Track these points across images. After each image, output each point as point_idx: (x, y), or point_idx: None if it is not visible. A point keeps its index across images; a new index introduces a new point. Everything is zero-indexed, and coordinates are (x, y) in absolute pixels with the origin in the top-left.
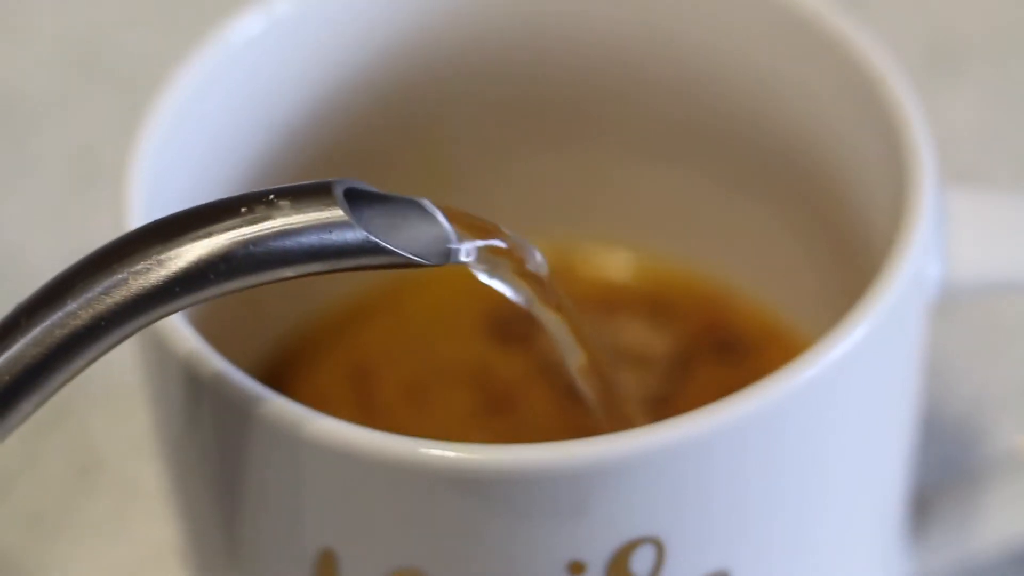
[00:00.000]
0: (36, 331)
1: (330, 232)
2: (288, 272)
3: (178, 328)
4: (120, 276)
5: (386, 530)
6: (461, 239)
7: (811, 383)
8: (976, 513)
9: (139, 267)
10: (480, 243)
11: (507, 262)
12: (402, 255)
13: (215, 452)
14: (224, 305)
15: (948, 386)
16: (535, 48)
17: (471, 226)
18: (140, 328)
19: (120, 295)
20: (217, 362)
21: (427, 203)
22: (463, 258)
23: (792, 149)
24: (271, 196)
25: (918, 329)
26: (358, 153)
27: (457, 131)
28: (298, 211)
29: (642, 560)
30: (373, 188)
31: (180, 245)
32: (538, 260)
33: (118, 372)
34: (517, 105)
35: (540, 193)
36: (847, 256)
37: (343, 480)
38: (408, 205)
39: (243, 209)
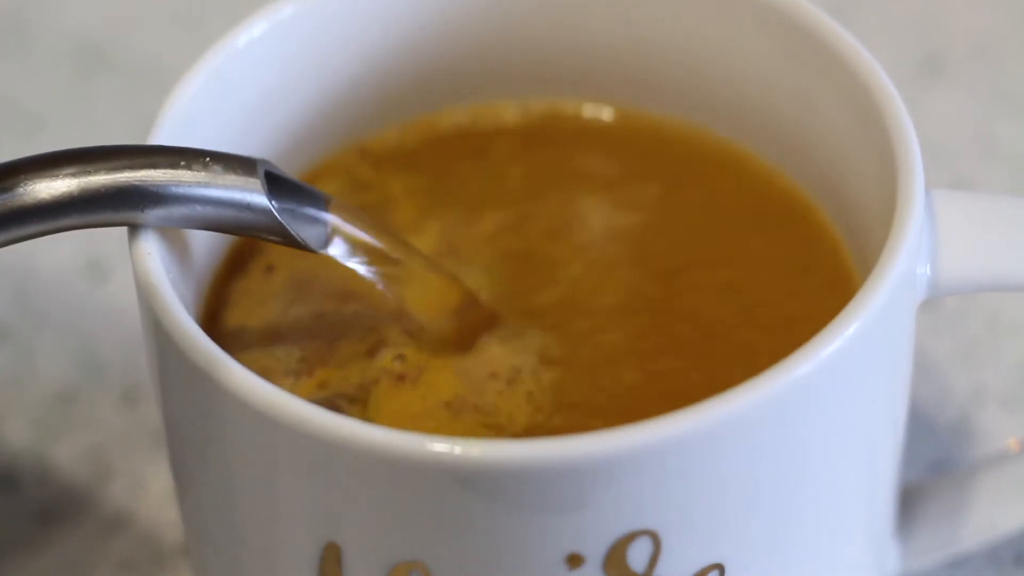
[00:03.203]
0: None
1: (242, 194)
2: (201, 222)
3: (185, 325)
4: (60, 176)
5: (389, 524)
6: (335, 235)
7: (803, 380)
8: (963, 509)
9: (68, 170)
10: (356, 235)
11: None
12: (293, 234)
13: (220, 448)
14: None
15: (940, 388)
16: (535, 49)
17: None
18: (56, 231)
19: (32, 199)
20: (221, 357)
21: (323, 196)
22: (331, 251)
23: (786, 152)
24: (207, 158)
25: (908, 328)
26: None
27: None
28: (225, 174)
29: (639, 552)
30: (286, 173)
31: (115, 171)
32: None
33: (131, 370)
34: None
35: None
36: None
37: (347, 475)
38: (308, 194)
39: (182, 162)
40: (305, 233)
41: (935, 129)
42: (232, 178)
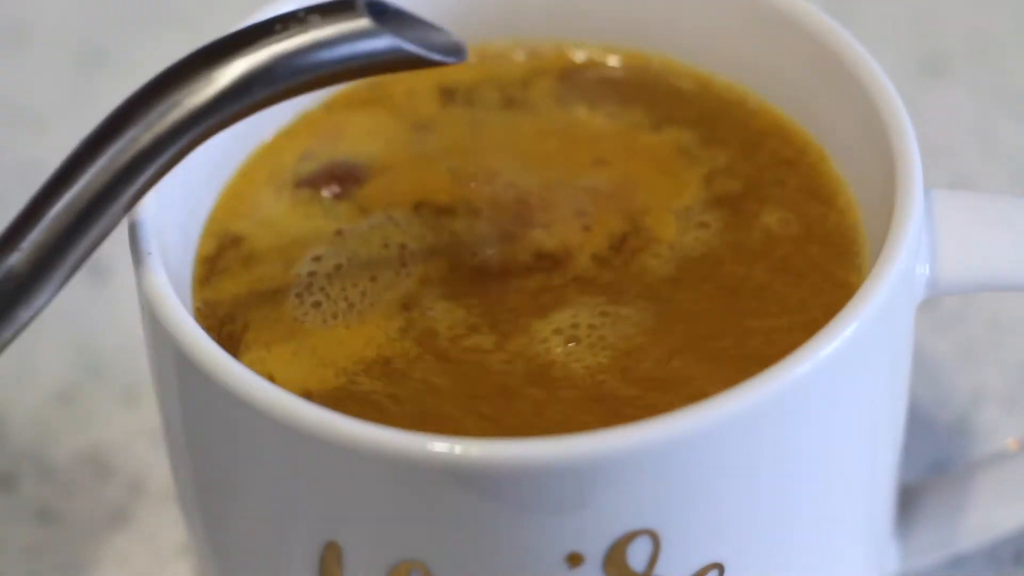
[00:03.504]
0: (104, 159)
1: (359, 40)
2: (324, 80)
3: (185, 325)
4: (175, 98)
5: (389, 523)
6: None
7: (803, 380)
8: (963, 509)
9: (191, 87)
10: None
11: None
12: (428, 56)
13: (220, 447)
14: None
15: (940, 388)
16: (530, 47)
17: None
18: (198, 143)
19: (177, 115)
20: (222, 357)
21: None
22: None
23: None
24: (301, 14)
25: (907, 327)
26: None
27: None
28: (328, 24)
29: (639, 552)
30: (390, 3)
31: (226, 64)
32: None
33: (131, 370)
34: None
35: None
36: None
37: (347, 474)
38: (415, 18)
39: (278, 27)
40: (436, 51)
41: (935, 129)
42: (338, 27)
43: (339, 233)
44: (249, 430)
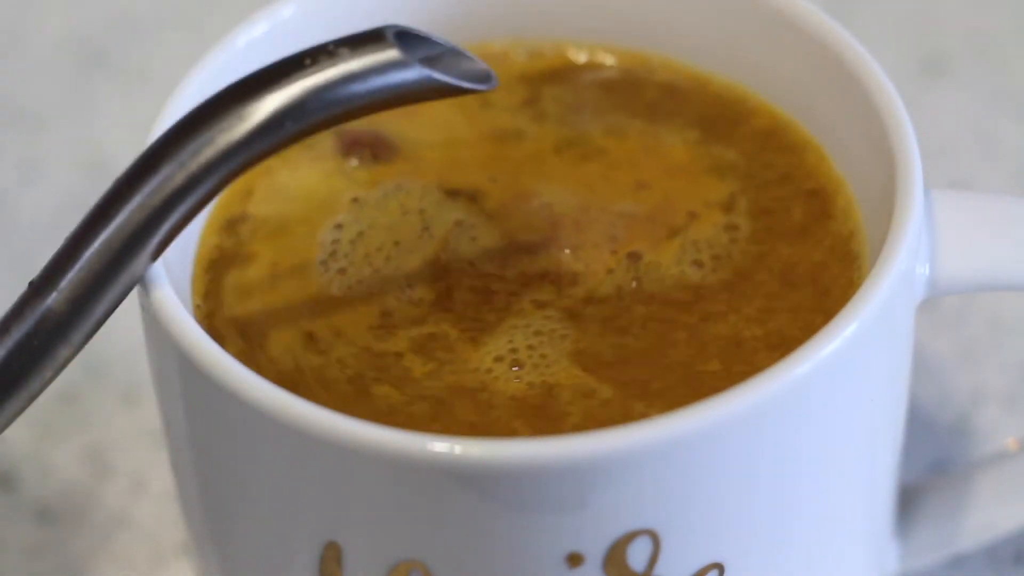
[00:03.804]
0: (139, 197)
1: (390, 71)
2: (356, 112)
3: (185, 325)
4: (207, 135)
5: (390, 523)
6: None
7: (803, 380)
8: (963, 509)
9: (223, 124)
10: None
11: None
12: (459, 85)
13: (220, 447)
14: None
15: (940, 388)
16: (530, 47)
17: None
18: (231, 180)
19: (210, 153)
20: (222, 358)
21: (458, 47)
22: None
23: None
24: (330, 47)
25: (907, 327)
26: None
27: None
28: (358, 56)
29: (639, 552)
30: (417, 30)
31: (258, 100)
32: None
33: (131, 370)
34: None
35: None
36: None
37: (348, 474)
38: (443, 45)
39: (307, 61)
40: (465, 79)
41: (935, 129)
42: (368, 59)
43: (355, 200)
44: (249, 430)
